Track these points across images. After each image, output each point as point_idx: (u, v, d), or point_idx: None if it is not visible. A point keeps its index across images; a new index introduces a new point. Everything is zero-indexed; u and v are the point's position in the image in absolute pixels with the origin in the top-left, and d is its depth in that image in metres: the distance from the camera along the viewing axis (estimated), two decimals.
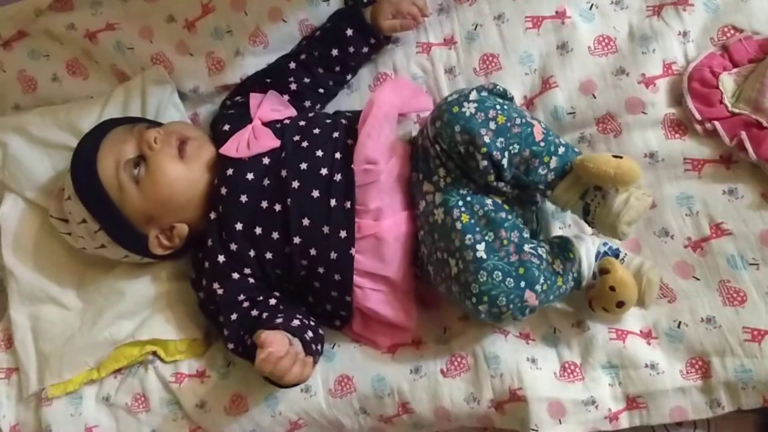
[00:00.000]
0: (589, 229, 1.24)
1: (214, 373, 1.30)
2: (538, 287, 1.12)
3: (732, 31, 1.25)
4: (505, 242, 1.12)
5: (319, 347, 1.22)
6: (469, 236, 1.12)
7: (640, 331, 1.22)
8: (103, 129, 1.31)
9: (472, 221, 1.13)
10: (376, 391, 1.23)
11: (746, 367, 1.16)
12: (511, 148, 1.12)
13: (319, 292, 1.25)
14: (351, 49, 1.33)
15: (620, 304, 1.17)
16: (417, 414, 1.23)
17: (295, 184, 1.22)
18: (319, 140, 1.25)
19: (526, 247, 1.13)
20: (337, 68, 1.35)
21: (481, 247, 1.11)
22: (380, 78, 1.39)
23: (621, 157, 1.10)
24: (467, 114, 1.12)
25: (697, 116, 1.21)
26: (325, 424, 1.26)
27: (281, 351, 1.10)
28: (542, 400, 1.18)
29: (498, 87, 1.19)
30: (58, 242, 1.38)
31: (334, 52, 1.33)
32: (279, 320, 1.18)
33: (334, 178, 1.22)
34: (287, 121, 1.30)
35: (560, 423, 1.18)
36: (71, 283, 1.39)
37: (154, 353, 1.32)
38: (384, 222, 1.22)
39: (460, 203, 1.15)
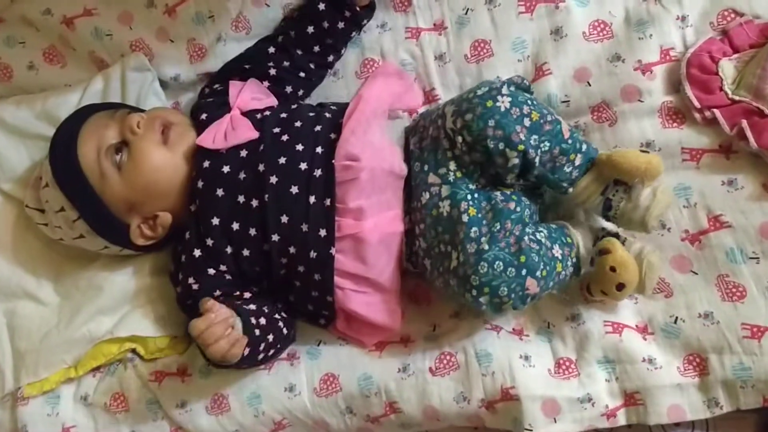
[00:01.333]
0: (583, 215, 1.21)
1: (195, 372, 1.26)
2: (538, 273, 1.09)
3: (732, 15, 1.22)
4: (508, 233, 1.10)
5: (269, 337, 1.17)
6: (474, 229, 1.09)
7: (636, 326, 1.19)
8: (83, 114, 1.27)
9: (479, 215, 1.11)
10: (363, 390, 1.21)
11: (745, 365, 1.13)
12: (542, 145, 1.11)
13: (300, 291, 1.21)
14: (325, 25, 1.29)
15: (620, 287, 1.14)
16: (405, 414, 1.20)
17: (273, 179, 1.18)
18: (300, 134, 1.21)
19: (527, 238, 1.11)
20: (316, 48, 1.31)
21: (485, 239, 1.09)
22: (367, 64, 1.35)
23: (647, 152, 1.14)
24: (502, 109, 1.09)
25: (696, 104, 1.18)
26: (310, 424, 1.23)
27: (217, 319, 1.08)
28: (536, 398, 1.15)
29: (524, 81, 1.18)
30: (35, 235, 1.34)
31: (310, 29, 1.29)
32: (237, 302, 1.16)
33: (314, 174, 1.18)
34: (268, 112, 1.26)
35: (555, 422, 1.15)
36: (48, 277, 1.35)
37: (134, 351, 1.29)
38: (365, 222, 1.18)
39: (468, 197, 1.12)
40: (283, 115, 1.25)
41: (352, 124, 1.19)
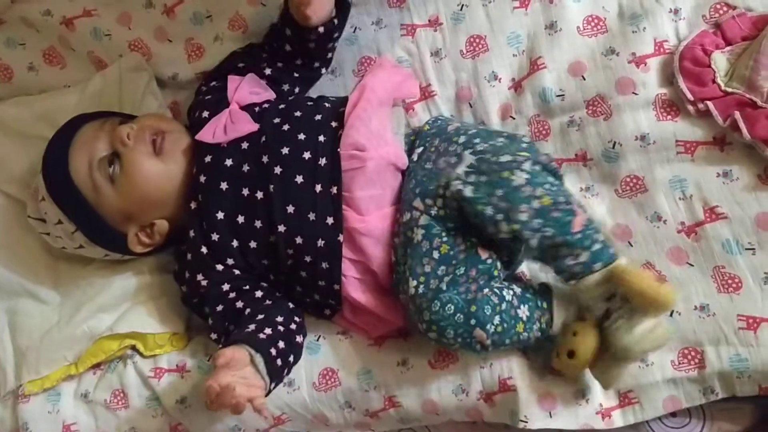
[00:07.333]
0: None
1: (195, 368, 1.26)
2: (489, 327, 1.08)
3: (725, 8, 1.22)
4: (470, 280, 1.09)
5: (290, 358, 1.16)
6: (442, 267, 1.09)
7: None
8: (73, 126, 1.27)
9: (451, 253, 1.10)
10: (362, 384, 1.21)
11: (741, 356, 1.13)
12: (545, 230, 1.07)
13: (307, 281, 1.21)
14: (297, 46, 1.27)
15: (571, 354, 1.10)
16: (404, 408, 1.20)
17: (278, 169, 1.18)
18: (300, 123, 1.22)
19: (487, 290, 1.09)
20: (298, 61, 1.30)
21: (447, 279, 1.09)
22: (364, 62, 1.35)
23: (664, 280, 1.09)
24: (515, 183, 1.07)
25: (689, 96, 1.18)
26: (309, 418, 1.24)
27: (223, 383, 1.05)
28: (532, 390, 1.15)
29: (552, 163, 1.14)
30: (35, 235, 1.34)
31: (287, 47, 1.28)
32: (251, 327, 1.14)
33: (319, 163, 1.18)
34: (266, 105, 1.26)
35: (551, 416, 1.15)
36: (49, 276, 1.36)
37: (134, 348, 1.29)
38: (368, 217, 1.18)
39: (444, 234, 1.11)
40: (282, 106, 1.25)
41: (358, 112, 1.19)
